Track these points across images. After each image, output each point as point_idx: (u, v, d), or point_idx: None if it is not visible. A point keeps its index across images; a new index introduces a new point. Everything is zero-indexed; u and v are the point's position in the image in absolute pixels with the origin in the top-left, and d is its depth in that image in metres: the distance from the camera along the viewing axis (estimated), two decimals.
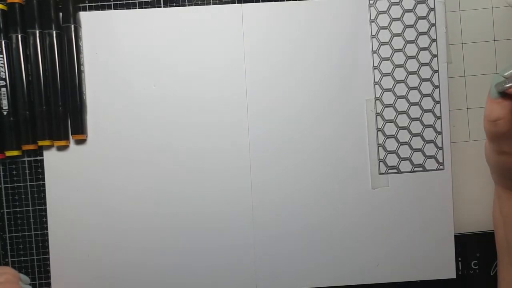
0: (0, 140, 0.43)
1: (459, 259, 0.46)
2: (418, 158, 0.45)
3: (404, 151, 0.45)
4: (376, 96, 0.45)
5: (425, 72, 0.45)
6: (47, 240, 0.44)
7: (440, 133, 0.45)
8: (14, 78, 0.43)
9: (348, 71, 0.45)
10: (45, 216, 0.44)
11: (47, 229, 0.44)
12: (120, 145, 0.44)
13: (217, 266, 0.45)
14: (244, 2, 0.45)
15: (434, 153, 0.45)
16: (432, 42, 0.45)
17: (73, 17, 0.43)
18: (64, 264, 0.44)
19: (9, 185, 0.44)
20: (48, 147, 0.44)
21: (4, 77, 0.42)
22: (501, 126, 0.32)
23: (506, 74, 0.30)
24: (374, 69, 0.45)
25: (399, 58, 0.45)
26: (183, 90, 0.44)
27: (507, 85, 0.30)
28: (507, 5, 0.46)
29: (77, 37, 0.43)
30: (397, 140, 0.45)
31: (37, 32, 0.43)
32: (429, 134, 0.45)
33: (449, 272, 0.45)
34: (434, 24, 0.45)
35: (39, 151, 0.44)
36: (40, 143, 0.43)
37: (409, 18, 0.45)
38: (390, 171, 0.45)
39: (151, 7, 0.45)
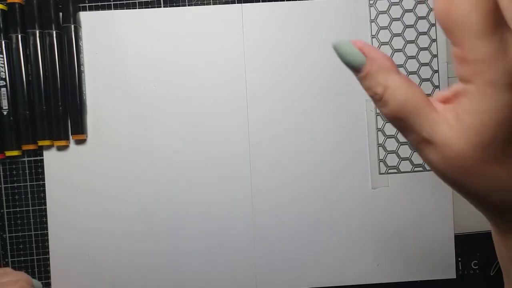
0: (0, 140, 0.43)
1: (459, 259, 0.46)
2: (418, 158, 0.45)
3: (404, 151, 0.45)
4: None
5: (425, 72, 0.45)
6: (47, 240, 0.44)
7: None
8: (14, 78, 0.43)
9: (348, 71, 0.45)
10: (45, 216, 0.44)
11: (47, 229, 0.44)
12: (120, 145, 0.44)
13: (217, 268, 0.44)
14: (244, 2, 0.45)
15: None
16: (432, 42, 0.45)
17: (73, 17, 0.43)
18: (64, 264, 0.44)
19: (9, 185, 0.44)
20: (48, 147, 0.44)
21: (4, 77, 0.42)
22: None
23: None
24: None
25: (399, 58, 0.45)
26: (183, 90, 0.44)
27: None
28: None
29: (77, 37, 0.43)
30: (397, 140, 0.45)
31: (37, 32, 0.43)
32: None
33: (449, 272, 0.45)
34: (434, 24, 0.45)
35: (39, 151, 0.44)
36: (40, 143, 0.43)
37: (409, 18, 0.45)
38: (390, 171, 0.45)
39: (151, 7, 0.45)
